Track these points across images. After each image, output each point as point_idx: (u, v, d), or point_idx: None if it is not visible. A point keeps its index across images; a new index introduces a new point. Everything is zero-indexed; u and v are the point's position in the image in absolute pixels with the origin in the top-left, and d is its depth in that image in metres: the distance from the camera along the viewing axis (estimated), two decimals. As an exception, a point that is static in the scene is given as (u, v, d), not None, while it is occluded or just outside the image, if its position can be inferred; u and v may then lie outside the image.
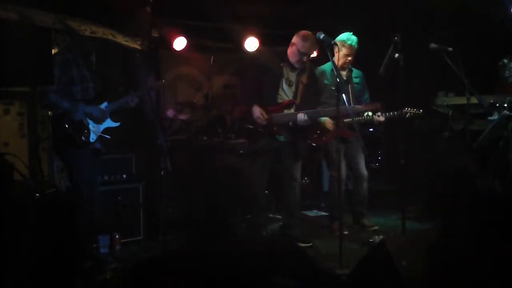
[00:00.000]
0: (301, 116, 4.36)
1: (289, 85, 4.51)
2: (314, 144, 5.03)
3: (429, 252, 3.79)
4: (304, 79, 4.53)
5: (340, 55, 4.86)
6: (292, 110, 4.49)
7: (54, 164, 4.72)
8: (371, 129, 5.97)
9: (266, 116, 4.40)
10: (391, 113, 4.77)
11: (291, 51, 4.47)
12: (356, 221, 5.19)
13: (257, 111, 4.39)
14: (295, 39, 4.44)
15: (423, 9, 5.68)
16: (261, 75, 4.47)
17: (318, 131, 4.85)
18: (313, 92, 4.61)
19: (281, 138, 4.51)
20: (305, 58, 4.44)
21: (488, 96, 4.84)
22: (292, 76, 4.52)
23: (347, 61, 4.90)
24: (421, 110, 4.73)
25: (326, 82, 4.86)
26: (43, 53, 4.57)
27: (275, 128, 4.44)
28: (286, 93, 4.51)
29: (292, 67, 4.50)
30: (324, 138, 4.85)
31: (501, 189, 5.10)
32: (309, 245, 4.53)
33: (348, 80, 4.98)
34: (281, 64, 4.49)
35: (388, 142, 5.43)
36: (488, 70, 5.38)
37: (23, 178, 4.03)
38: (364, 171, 5.08)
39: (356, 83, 5.06)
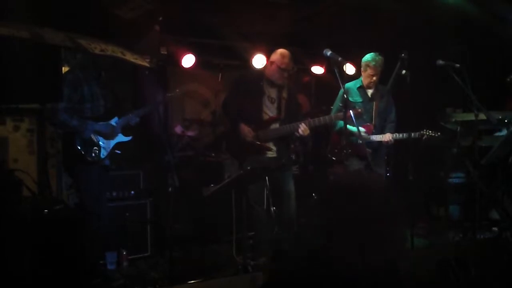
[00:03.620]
0: (303, 126, 4.38)
1: (271, 102, 4.62)
2: (334, 158, 5.06)
3: (439, 268, 3.76)
4: (285, 94, 4.65)
5: (365, 75, 4.98)
6: (277, 125, 4.56)
7: (62, 180, 4.75)
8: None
9: (253, 133, 4.44)
10: (406, 134, 4.75)
11: (271, 69, 4.59)
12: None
13: (244, 129, 4.43)
14: (274, 57, 4.58)
15: (430, 26, 5.70)
16: (244, 94, 4.54)
17: (338, 147, 4.89)
18: (295, 106, 4.74)
19: (270, 154, 4.54)
20: (285, 74, 4.55)
21: (496, 112, 4.83)
22: (273, 93, 4.62)
23: (372, 80, 4.96)
24: (438, 133, 4.72)
25: (350, 99, 4.88)
26: (53, 71, 4.63)
27: (263, 145, 4.47)
28: (270, 110, 4.59)
29: (271, 84, 4.59)
30: (343, 154, 4.88)
31: (510, 203, 5.06)
32: None
33: (373, 98, 5.00)
34: (261, 83, 4.57)
35: (396, 158, 5.41)
36: (496, 86, 5.37)
37: (32, 194, 4.06)
38: None
39: (382, 101, 5.06)
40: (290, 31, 5.84)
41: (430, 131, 4.71)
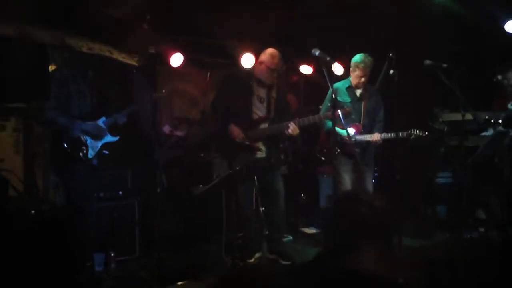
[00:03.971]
0: (293, 126, 4.38)
1: (261, 101, 4.63)
2: (323, 158, 5.07)
3: (426, 268, 3.79)
4: (274, 93, 4.66)
5: (354, 76, 5.00)
6: (267, 125, 4.57)
7: (49, 180, 4.70)
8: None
9: (243, 134, 4.45)
10: (394, 134, 4.78)
11: (260, 69, 4.60)
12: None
13: (234, 130, 4.44)
14: (263, 57, 4.60)
15: (418, 26, 5.73)
16: (233, 93, 4.53)
17: (327, 146, 4.93)
18: (284, 105, 4.76)
19: (259, 154, 4.54)
20: (275, 74, 4.57)
21: (483, 112, 4.87)
22: (262, 93, 4.63)
23: (361, 81, 4.98)
24: (426, 133, 4.75)
25: (338, 99, 4.90)
26: (39, 69, 4.59)
27: (252, 144, 4.47)
28: (259, 109, 4.60)
29: (261, 84, 4.60)
30: (332, 153, 4.90)
31: (496, 202, 5.11)
32: (289, 263, 4.51)
33: (362, 98, 5.02)
34: (250, 83, 4.57)
35: (384, 157, 5.43)
36: (483, 86, 5.42)
37: (18, 194, 4.02)
38: (369, 187, 5.08)
39: (370, 101, 5.08)
40: (279, 30, 5.83)
41: (418, 131, 4.74)
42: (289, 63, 6.37)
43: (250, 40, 6.10)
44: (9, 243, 3.47)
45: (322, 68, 4.08)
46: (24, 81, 4.57)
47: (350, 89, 5.06)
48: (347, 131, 4.34)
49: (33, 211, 3.77)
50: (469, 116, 4.60)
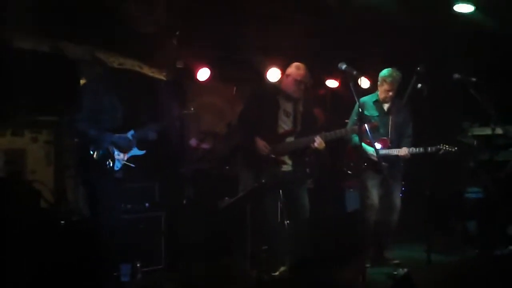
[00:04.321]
0: (319, 140, 4.38)
1: (287, 115, 4.62)
2: (350, 172, 5.04)
3: (455, 285, 3.71)
4: (300, 107, 4.64)
5: (382, 90, 4.99)
6: (293, 139, 4.57)
7: (79, 191, 4.79)
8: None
9: (268, 147, 4.46)
10: (422, 148, 4.73)
11: (287, 82, 4.60)
12: (378, 253, 5.10)
13: (260, 143, 4.45)
14: (290, 70, 4.60)
15: (447, 40, 5.68)
16: (260, 107, 4.56)
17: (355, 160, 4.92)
18: (310, 119, 4.73)
19: (285, 168, 4.54)
20: (302, 86, 4.55)
21: (513, 127, 4.79)
22: (289, 107, 4.62)
23: (388, 95, 4.97)
24: (455, 148, 4.68)
25: (366, 113, 4.89)
26: (71, 84, 4.71)
27: (278, 158, 4.48)
28: (285, 123, 4.60)
29: (287, 98, 4.60)
30: (359, 168, 4.88)
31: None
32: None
33: (389, 112, 5.01)
34: (276, 97, 4.59)
35: (413, 172, 5.37)
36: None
37: (49, 205, 4.10)
38: (397, 201, 5.02)
39: (398, 115, 5.05)
40: (305, 44, 5.86)
41: (446, 146, 4.67)
42: (316, 76, 6.39)
43: (276, 55, 6.15)
44: (40, 253, 3.54)
45: (349, 82, 4.08)
46: (55, 95, 4.69)
47: (378, 103, 5.03)
48: (374, 147, 4.31)
49: (62, 222, 3.84)
50: (499, 131, 4.53)
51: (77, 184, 4.80)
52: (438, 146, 4.67)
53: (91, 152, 3.98)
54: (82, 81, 4.75)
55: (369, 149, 4.80)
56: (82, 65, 4.77)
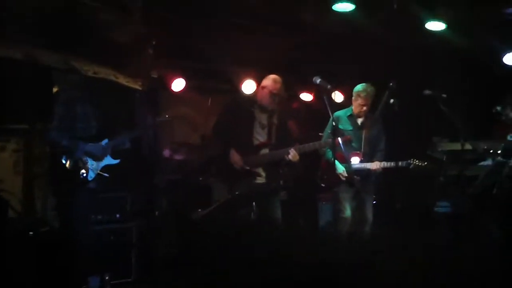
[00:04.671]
0: (293, 152, 4.41)
1: (262, 127, 4.64)
2: (324, 185, 5.08)
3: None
4: (275, 120, 4.68)
5: (356, 104, 5.04)
6: (267, 151, 4.59)
7: (48, 201, 4.69)
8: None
9: (242, 161, 4.48)
10: (393, 163, 4.82)
11: (262, 94, 4.63)
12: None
13: (234, 156, 4.46)
14: (265, 82, 4.63)
15: (418, 56, 5.81)
16: (235, 119, 4.58)
17: (328, 173, 4.95)
18: (285, 132, 4.77)
19: (259, 179, 4.56)
20: (277, 99, 4.59)
21: (482, 142, 4.90)
22: (264, 119, 4.65)
23: (363, 110, 5.03)
24: (426, 163, 4.77)
25: (340, 127, 4.94)
26: (43, 91, 4.63)
27: (252, 170, 4.50)
28: (260, 135, 4.63)
29: (262, 110, 4.63)
30: (333, 180, 4.92)
31: (497, 233, 5.09)
32: None
33: (363, 126, 5.07)
34: (251, 109, 4.62)
35: (384, 186, 5.44)
36: (482, 116, 5.47)
37: (17, 215, 4.00)
38: (369, 215, 5.08)
39: (372, 129, 5.12)
40: (280, 57, 5.91)
41: (417, 161, 4.76)
42: (290, 89, 6.44)
43: (251, 67, 6.18)
44: (7, 264, 3.45)
45: (323, 96, 4.13)
46: (26, 103, 4.61)
47: (352, 117, 5.10)
48: (347, 162, 4.35)
49: (31, 233, 3.75)
50: (468, 146, 4.63)
51: (46, 194, 4.70)
52: (409, 161, 4.75)
53: (64, 162, 3.91)
54: (55, 89, 4.67)
55: (340, 168, 4.86)
56: (55, 73, 4.70)
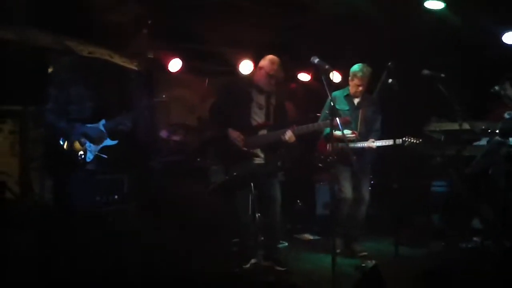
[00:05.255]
0: (289, 133, 4.40)
1: (260, 108, 4.62)
2: (321, 165, 5.06)
3: (423, 277, 3.79)
4: (273, 101, 4.66)
5: (352, 84, 5.09)
6: (265, 132, 4.58)
7: (45, 183, 4.67)
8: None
9: (242, 137, 4.45)
10: (388, 141, 4.83)
11: (259, 75, 4.60)
12: (346, 245, 5.16)
13: (233, 133, 4.44)
14: (263, 63, 4.60)
15: (417, 36, 5.77)
16: (232, 100, 4.54)
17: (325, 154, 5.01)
18: (283, 113, 4.75)
19: (258, 160, 4.55)
20: (273, 81, 4.56)
21: (479, 122, 4.90)
22: (262, 100, 4.63)
23: (359, 90, 5.06)
24: (420, 140, 4.78)
25: (337, 107, 4.92)
26: (38, 72, 4.59)
27: (250, 151, 4.48)
28: (258, 116, 4.61)
29: (260, 91, 4.61)
30: (330, 161, 4.93)
31: (490, 213, 5.12)
32: (284, 269, 4.50)
33: (359, 107, 5.08)
34: (249, 90, 4.59)
35: (381, 166, 5.45)
36: (481, 96, 5.45)
37: (14, 197, 4.00)
38: (366, 194, 5.09)
39: (368, 110, 5.11)
40: (278, 38, 5.86)
41: (412, 138, 4.77)
42: (288, 70, 6.40)
43: (248, 48, 6.13)
44: (4, 246, 3.45)
45: (321, 76, 4.10)
46: (21, 84, 4.57)
47: (349, 97, 5.11)
48: (345, 142, 4.36)
49: (28, 214, 3.75)
50: (466, 126, 4.63)
51: (43, 176, 4.68)
52: (404, 139, 4.75)
53: (61, 144, 3.89)
54: (50, 70, 4.63)
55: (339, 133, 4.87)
56: (50, 54, 4.65)
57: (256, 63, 6.26)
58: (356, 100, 5.12)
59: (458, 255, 4.52)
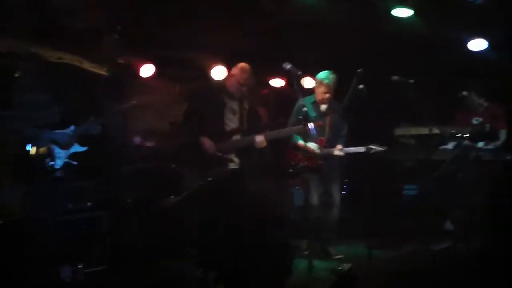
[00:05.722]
0: (261, 138, 4.41)
1: (234, 113, 4.65)
2: (291, 170, 5.11)
3: (397, 279, 3.85)
4: (246, 105, 4.70)
5: (319, 92, 5.13)
6: (239, 137, 4.60)
7: (14, 190, 4.56)
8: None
9: (214, 146, 4.46)
10: (353, 148, 4.93)
11: (231, 82, 4.63)
12: (321, 248, 5.20)
13: (206, 142, 4.45)
14: (234, 71, 4.63)
15: (386, 42, 5.87)
16: (205, 106, 4.55)
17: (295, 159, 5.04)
18: (256, 117, 4.79)
19: (232, 165, 4.56)
20: (244, 88, 4.60)
21: (448, 127, 5.01)
22: (235, 105, 4.66)
23: (325, 97, 5.11)
24: (385, 147, 4.86)
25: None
26: (3, 78, 4.48)
27: (225, 156, 4.49)
28: (231, 121, 4.63)
29: (232, 97, 4.63)
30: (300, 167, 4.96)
31: (461, 215, 5.24)
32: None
33: (326, 113, 5.13)
34: (222, 95, 4.61)
35: (353, 170, 5.52)
36: (448, 101, 5.58)
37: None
38: (337, 198, 5.15)
39: (335, 116, 5.17)
40: (251, 44, 5.87)
41: (376, 146, 4.85)
42: (261, 76, 6.43)
43: (221, 53, 6.12)
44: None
45: (293, 82, 4.14)
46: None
47: (315, 104, 5.17)
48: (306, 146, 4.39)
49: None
50: (436, 130, 4.73)
51: (13, 182, 4.57)
52: (368, 146, 4.85)
53: (28, 151, 3.82)
54: (16, 75, 4.52)
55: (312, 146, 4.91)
56: (14, 59, 4.55)
57: (229, 68, 6.27)
58: (323, 107, 5.17)
59: (430, 257, 4.60)
